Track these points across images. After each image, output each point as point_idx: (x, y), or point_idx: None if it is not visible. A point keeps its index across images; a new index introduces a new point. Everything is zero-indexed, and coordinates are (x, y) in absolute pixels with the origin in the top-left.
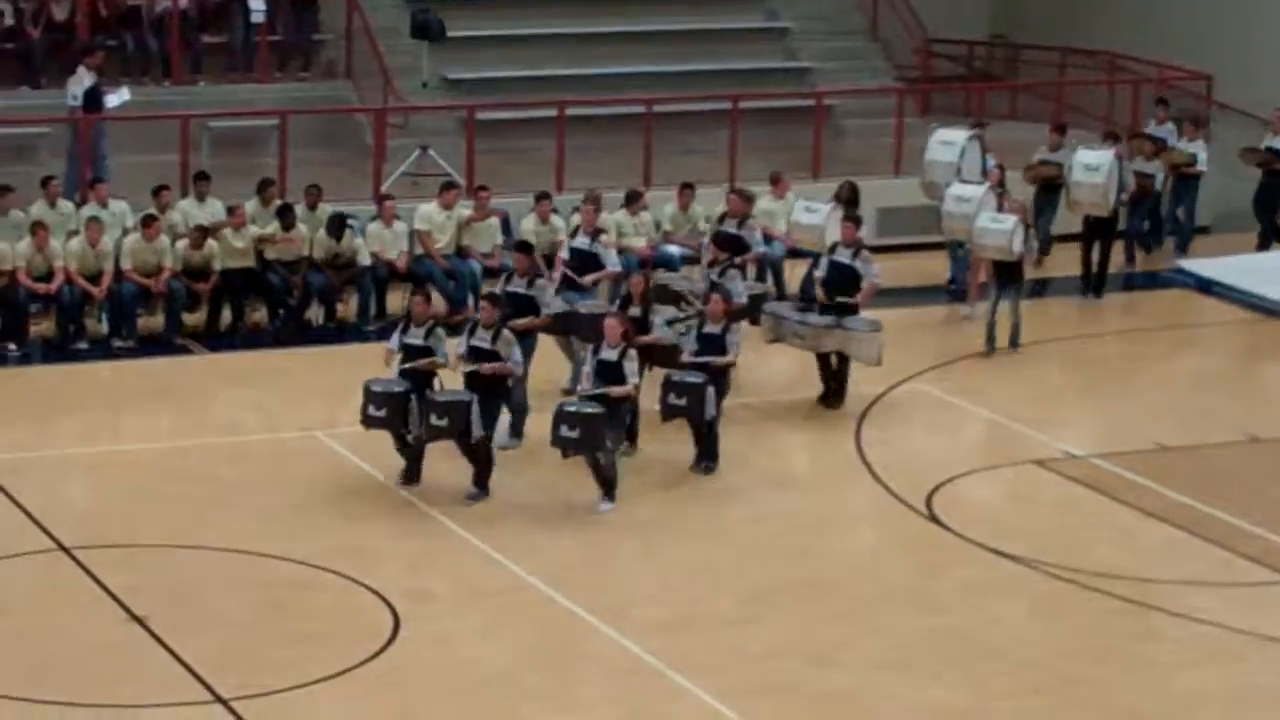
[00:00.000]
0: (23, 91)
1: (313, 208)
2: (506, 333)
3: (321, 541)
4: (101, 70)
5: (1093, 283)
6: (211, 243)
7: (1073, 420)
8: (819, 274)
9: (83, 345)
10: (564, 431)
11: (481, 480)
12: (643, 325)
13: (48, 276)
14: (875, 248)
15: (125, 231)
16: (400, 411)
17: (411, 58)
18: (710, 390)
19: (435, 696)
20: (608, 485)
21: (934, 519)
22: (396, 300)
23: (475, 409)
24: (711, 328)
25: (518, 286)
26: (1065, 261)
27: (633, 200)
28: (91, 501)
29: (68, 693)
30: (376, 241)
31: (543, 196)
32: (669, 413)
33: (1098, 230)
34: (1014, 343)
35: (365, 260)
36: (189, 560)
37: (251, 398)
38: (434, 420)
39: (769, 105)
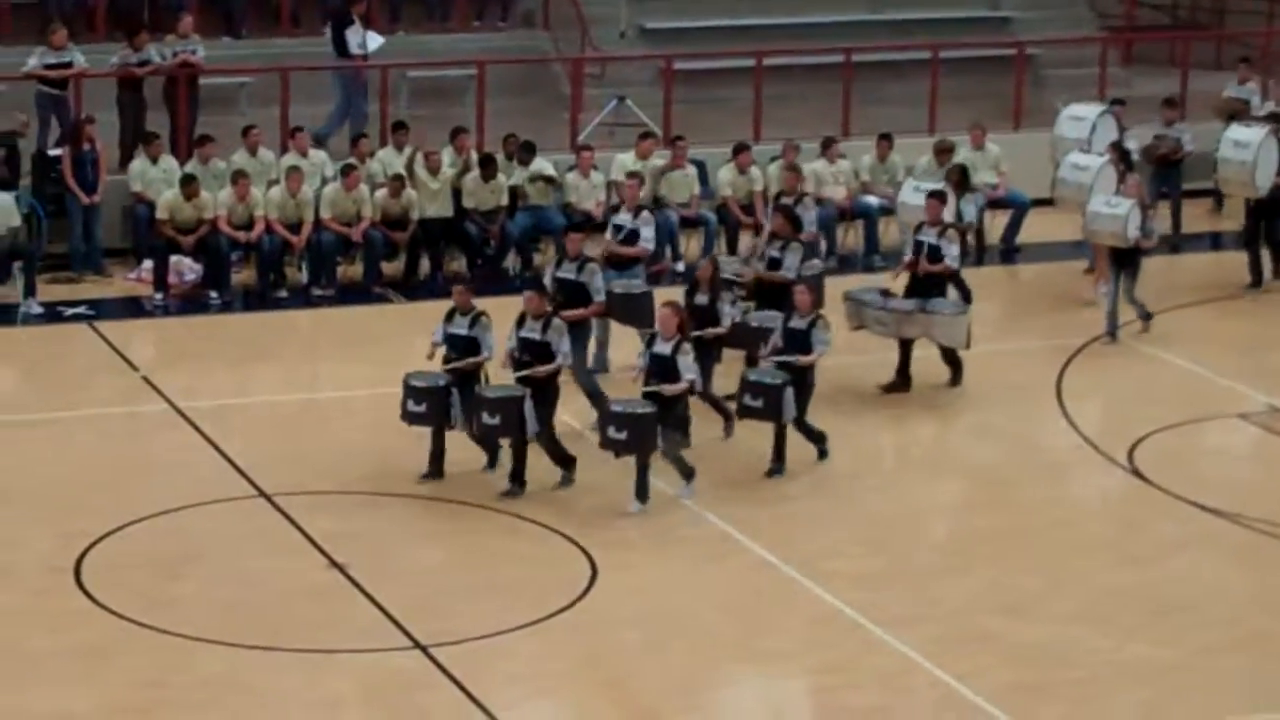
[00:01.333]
0: (225, 42)
1: (510, 157)
2: (558, 322)
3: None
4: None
5: (1256, 276)
6: (409, 192)
7: (1277, 372)
8: (907, 256)
9: (283, 294)
10: (612, 433)
11: (519, 475)
12: (711, 315)
13: (248, 225)
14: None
15: (324, 181)
16: (441, 407)
17: (609, 7)
18: (788, 392)
19: (631, 645)
20: (643, 487)
21: (1135, 472)
22: (593, 250)
23: (529, 406)
24: (798, 322)
25: (568, 272)
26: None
27: (828, 146)
28: (292, 448)
29: (269, 637)
30: (574, 192)
31: (741, 147)
32: (744, 413)
33: (1260, 214)
34: (1145, 316)
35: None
36: (389, 507)
37: None
38: (486, 418)
39: (969, 55)
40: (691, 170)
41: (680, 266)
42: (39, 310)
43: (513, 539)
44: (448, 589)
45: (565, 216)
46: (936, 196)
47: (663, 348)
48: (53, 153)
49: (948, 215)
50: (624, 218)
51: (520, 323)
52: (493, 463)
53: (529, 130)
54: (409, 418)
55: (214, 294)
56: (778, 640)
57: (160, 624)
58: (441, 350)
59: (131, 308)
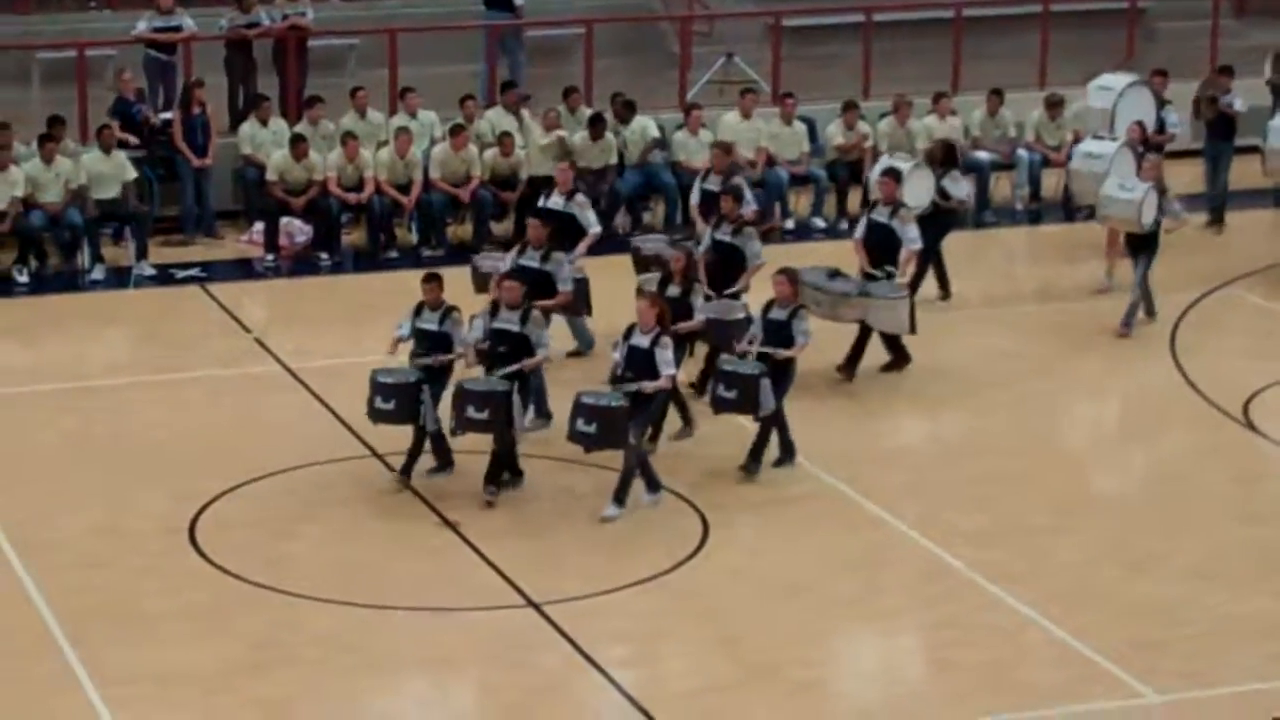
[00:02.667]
0: (333, 3)
1: (618, 116)
2: (536, 314)
3: None
4: None
5: None
6: (519, 151)
7: None
8: (858, 235)
9: (393, 254)
10: (580, 426)
11: (496, 476)
12: (684, 308)
13: (358, 186)
14: (1192, 152)
15: (433, 141)
16: (411, 404)
17: None
18: (765, 383)
19: (744, 603)
20: (624, 485)
21: (1251, 426)
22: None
23: (516, 400)
24: (778, 312)
25: (531, 260)
26: None
27: (938, 101)
28: None
29: (382, 596)
30: (682, 150)
31: (850, 104)
32: (719, 406)
33: None
34: (1149, 310)
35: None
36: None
37: None
38: (473, 413)
39: (1080, 8)
40: (800, 127)
41: (790, 224)
42: (151, 272)
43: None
44: (560, 547)
45: (675, 175)
46: (890, 175)
47: (640, 340)
48: (163, 117)
49: (916, 196)
50: (556, 200)
51: (493, 312)
52: (445, 465)
53: (637, 89)
54: (376, 415)
55: (324, 255)
56: (892, 596)
57: (274, 583)
58: (406, 346)
59: (243, 269)
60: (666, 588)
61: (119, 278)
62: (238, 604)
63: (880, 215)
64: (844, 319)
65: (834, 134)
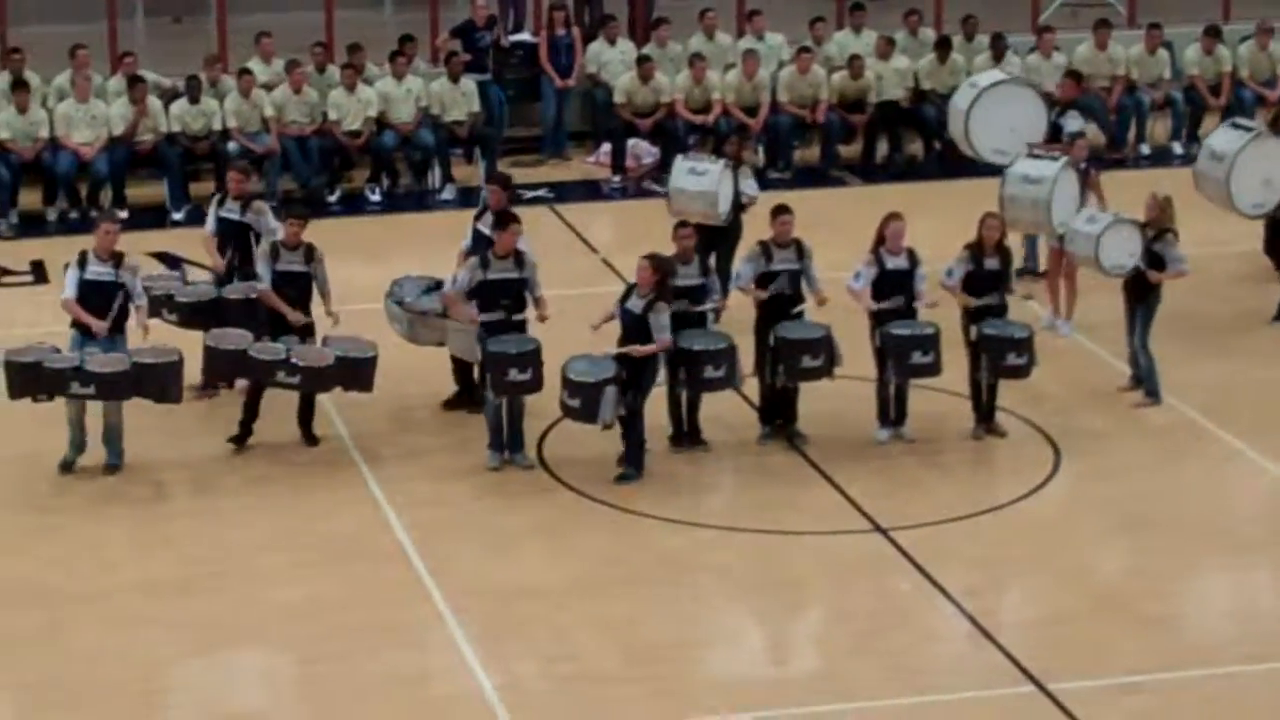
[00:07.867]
0: None
1: (969, 39)
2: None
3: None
4: None
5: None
6: (869, 74)
7: None
8: (463, 245)
9: None
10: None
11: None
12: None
13: (705, 108)
14: None
15: (780, 64)
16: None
17: None
18: (608, 392)
19: (1095, 533)
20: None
21: None
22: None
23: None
24: (635, 302)
25: (483, 225)
26: None
27: (1211, 34)
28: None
29: (729, 518)
30: (1035, 74)
31: (1211, 30)
32: (565, 412)
33: None
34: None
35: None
36: (852, 389)
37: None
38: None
39: None
40: (1162, 53)
41: (1145, 150)
42: None
43: (973, 425)
44: (908, 473)
45: None
46: (497, 180)
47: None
48: (512, 39)
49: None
50: (484, 220)
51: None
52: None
53: (988, 11)
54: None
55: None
56: (1248, 529)
57: (620, 502)
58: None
59: (589, 190)
60: (1017, 516)
61: (468, 198)
62: (585, 521)
63: (484, 225)
64: (421, 341)
65: (1191, 57)
